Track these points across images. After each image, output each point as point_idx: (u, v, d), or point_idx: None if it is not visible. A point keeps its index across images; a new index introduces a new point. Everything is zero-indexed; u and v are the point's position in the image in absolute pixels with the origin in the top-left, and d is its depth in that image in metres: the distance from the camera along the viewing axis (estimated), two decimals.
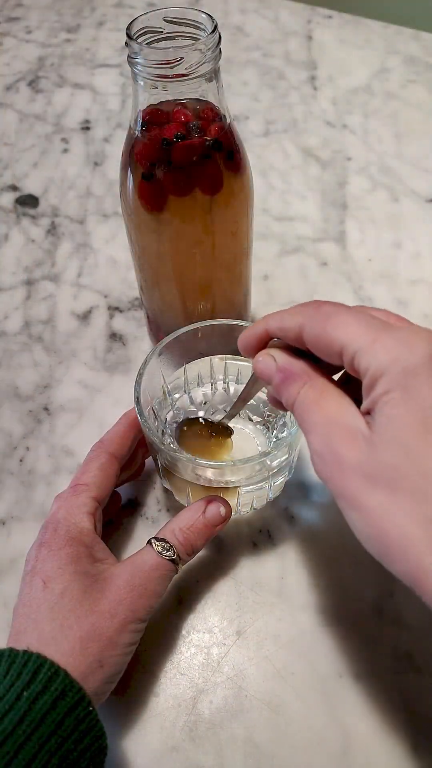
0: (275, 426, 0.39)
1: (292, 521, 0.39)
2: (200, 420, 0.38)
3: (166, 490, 0.40)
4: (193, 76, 0.30)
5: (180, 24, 0.32)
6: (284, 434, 0.37)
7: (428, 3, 1.06)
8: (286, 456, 0.35)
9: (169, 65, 0.29)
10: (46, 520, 0.33)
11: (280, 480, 0.37)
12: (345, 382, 0.26)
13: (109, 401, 0.46)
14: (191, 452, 0.34)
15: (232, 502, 0.35)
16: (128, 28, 0.31)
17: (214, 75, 0.31)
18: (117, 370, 0.48)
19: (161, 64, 0.29)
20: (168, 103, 0.32)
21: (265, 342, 0.28)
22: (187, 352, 0.39)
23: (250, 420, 0.41)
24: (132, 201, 0.35)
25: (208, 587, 0.36)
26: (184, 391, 0.41)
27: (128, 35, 0.30)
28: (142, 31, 0.31)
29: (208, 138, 0.33)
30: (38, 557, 0.30)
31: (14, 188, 0.64)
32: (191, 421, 0.38)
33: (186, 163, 0.33)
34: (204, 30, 0.31)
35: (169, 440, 0.38)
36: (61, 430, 0.44)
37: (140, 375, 0.35)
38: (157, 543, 0.31)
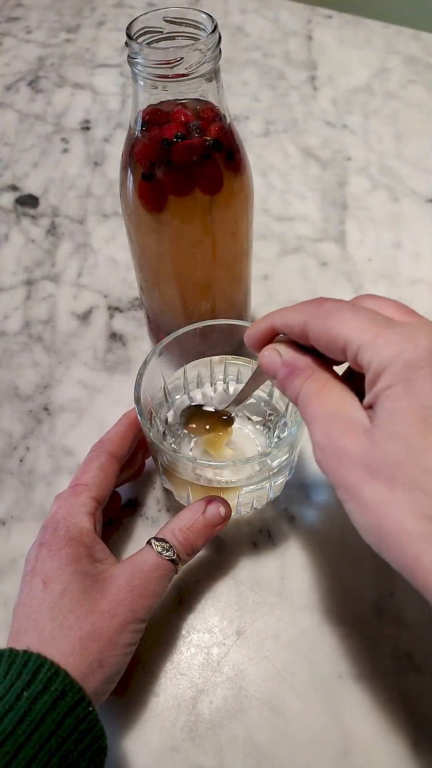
0: (276, 426, 0.39)
1: (292, 521, 0.39)
2: (204, 408, 0.38)
3: (166, 490, 0.40)
4: (193, 76, 0.30)
5: (180, 24, 0.32)
6: (285, 434, 0.37)
7: (428, 3, 1.06)
8: (287, 456, 0.35)
9: (169, 65, 0.29)
10: (46, 520, 0.33)
11: (281, 480, 0.37)
12: (349, 377, 0.26)
13: (109, 401, 0.46)
14: (193, 434, 0.35)
15: (233, 502, 0.35)
16: (128, 28, 0.31)
17: (214, 75, 0.31)
18: (117, 370, 0.48)
19: (161, 64, 0.29)
20: (168, 103, 0.32)
21: (270, 338, 0.28)
22: (187, 352, 0.39)
23: (250, 420, 0.41)
24: (132, 201, 0.35)
25: (208, 587, 0.36)
26: (184, 392, 0.41)
27: (128, 35, 0.30)
28: (142, 31, 0.31)
29: (208, 138, 0.33)
30: (38, 557, 0.30)
31: (14, 188, 0.64)
32: (197, 407, 0.38)
33: (186, 163, 0.33)
34: (204, 30, 0.31)
35: (169, 440, 0.38)
36: (61, 430, 0.44)
37: (140, 375, 0.35)
38: (156, 543, 0.31)
